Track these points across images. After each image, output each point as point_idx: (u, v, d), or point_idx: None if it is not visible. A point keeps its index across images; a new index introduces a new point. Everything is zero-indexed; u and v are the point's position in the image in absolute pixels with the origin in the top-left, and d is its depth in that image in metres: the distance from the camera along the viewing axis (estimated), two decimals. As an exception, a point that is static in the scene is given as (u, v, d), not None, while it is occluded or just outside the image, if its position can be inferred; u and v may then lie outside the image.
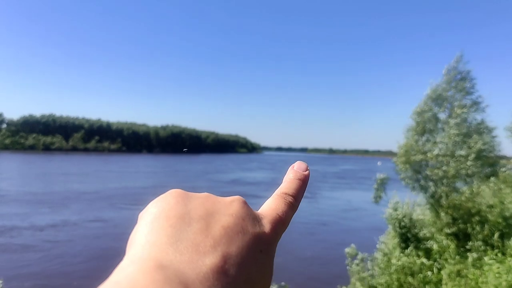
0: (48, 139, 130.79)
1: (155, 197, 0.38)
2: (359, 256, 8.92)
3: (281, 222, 0.44)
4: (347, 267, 8.98)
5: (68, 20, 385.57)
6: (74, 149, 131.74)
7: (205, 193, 0.45)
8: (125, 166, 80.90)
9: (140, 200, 33.92)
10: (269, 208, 0.46)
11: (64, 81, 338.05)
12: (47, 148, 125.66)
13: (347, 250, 9.01)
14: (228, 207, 0.41)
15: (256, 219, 0.42)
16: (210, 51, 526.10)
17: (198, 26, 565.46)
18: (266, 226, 0.42)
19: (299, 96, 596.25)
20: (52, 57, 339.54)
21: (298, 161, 0.53)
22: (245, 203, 0.44)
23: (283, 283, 5.23)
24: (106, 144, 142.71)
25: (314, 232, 23.82)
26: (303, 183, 0.51)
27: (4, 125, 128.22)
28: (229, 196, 0.44)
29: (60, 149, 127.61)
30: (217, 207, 0.41)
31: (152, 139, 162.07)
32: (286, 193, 0.48)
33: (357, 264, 8.67)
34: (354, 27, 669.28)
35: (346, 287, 8.54)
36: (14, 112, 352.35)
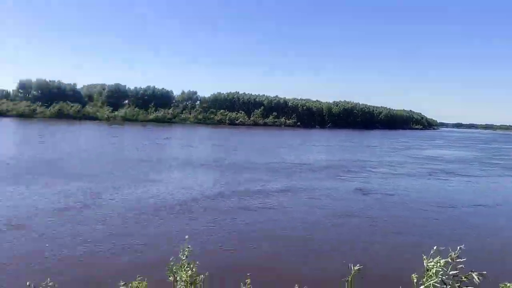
0: (233, 114, 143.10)
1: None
2: None
3: None
4: None
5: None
6: (255, 124, 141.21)
7: None
8: (327, 140, 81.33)
9: (363, 170, 33.01)
10: None
11: (248, 63, 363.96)
12: (232, 123, 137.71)
13: None
14: None
15: None
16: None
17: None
18: None
19: (483, 70, 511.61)
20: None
21: None
22: None
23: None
24: (282, 119, 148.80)
25: None
26: None
27: (198, 102, 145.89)
28: None
29: (243, 124, 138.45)
30: None
31: (325, 115, 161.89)
32: None
33: None
34: None
35: None
36: (206, 90, 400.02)
